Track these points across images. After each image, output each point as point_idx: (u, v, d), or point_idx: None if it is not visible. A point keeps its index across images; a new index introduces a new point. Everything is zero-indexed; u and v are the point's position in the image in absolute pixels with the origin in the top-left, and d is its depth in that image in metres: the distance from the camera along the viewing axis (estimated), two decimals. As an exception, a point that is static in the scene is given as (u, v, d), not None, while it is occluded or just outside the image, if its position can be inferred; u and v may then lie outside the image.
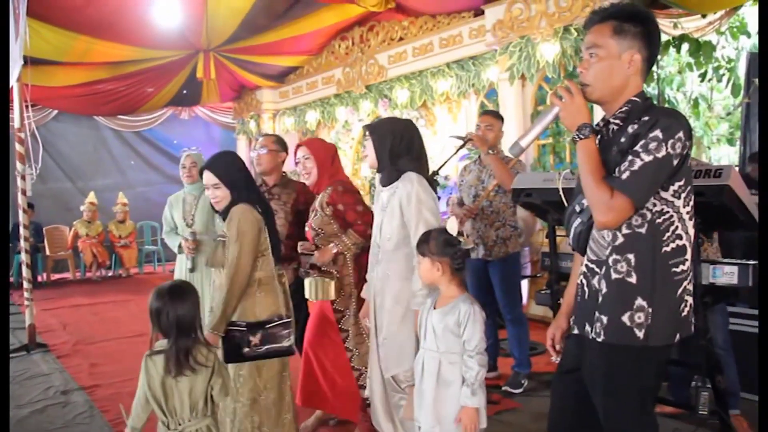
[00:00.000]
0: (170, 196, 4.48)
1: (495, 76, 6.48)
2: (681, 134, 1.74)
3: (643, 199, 1.75)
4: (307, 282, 3.28)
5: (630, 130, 1.80)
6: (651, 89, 7.47)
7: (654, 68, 7.40)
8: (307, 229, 3.37)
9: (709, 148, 10.67)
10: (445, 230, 2.42)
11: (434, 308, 2.44)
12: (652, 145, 1.72)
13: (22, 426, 3.79)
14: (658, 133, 1.72)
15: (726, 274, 2.76)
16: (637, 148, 1.74)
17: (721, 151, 10.37)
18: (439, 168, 3.73)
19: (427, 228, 2.65)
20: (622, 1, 2.92)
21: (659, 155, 1.71)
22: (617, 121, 1.87)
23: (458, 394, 2.32)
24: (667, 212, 1.79)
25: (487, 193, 4.14)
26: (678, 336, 1.84)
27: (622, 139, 1.81)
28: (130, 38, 8.05)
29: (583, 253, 1.95)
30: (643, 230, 1.78)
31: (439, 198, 3.94)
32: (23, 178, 5.83)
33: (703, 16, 6.22)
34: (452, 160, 4.24)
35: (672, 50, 7.04)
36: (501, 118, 4.35)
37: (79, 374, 4.87)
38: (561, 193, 2.16)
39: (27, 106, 5.92)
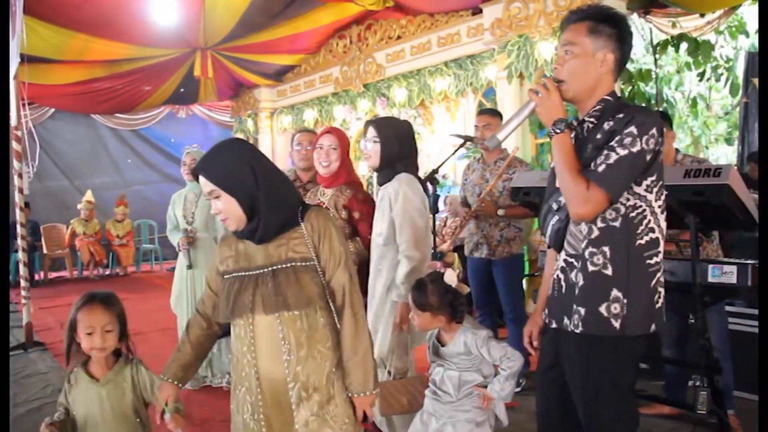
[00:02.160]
0: (174, 194, 4.53)
1: (493, 75, 6.47)
2: (654, 131, 1.80)
3: (618, 191, 1.80)
4: None
5: (606, 126, 1.85)
6: (649, 88, 7.46)
7: (652, 67, 7.43)
8: None
9: (707, 147, 10.68)
10: (442, 280, 2.37)
11: (441, 344, 2.45)
12: (627, 140, 1.77)
13: (19, 424, 3.78)
14: (633, 129, 1.78)
15: (725, 274, 2.76)
16: (612, 143, 1.79)
17: (719, 151, 10.39)
18: (438, 167, 3.72)
19: (411, 226, 2.75)
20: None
21: (634, 150, 1.77)
22: (592, 119, 1.92)
23: (508, 392, 2.36)
24: (640, 206, 1.84)
25: (489, 189, 4.11)
26: (653, 327, 1.88)
27: (598, 136, 1.86)
28: (128, 36, 8.03)
29: (560, 249, 1.99)
30: (617, 224, 1.84)
31: (437, 197, 3.93)
32: (20, 176, 5.82)
33: (702, 15, 6.22)
34: (451, 159, 4.22)
35: (671, 49, 7.04)
36: (499, 115, 4.33)
37: (76, 373, 4.85)
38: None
39: (24, 104, 5.90)
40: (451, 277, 2.36)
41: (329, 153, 3.19)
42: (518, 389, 4.09)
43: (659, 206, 1.88)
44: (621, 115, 1.83)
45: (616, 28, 1.89)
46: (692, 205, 2.77)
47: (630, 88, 7.42)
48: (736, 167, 2.92)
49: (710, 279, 2.81)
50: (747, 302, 3.81)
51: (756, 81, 7.09)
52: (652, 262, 1.86)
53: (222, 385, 4.29)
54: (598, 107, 1.91)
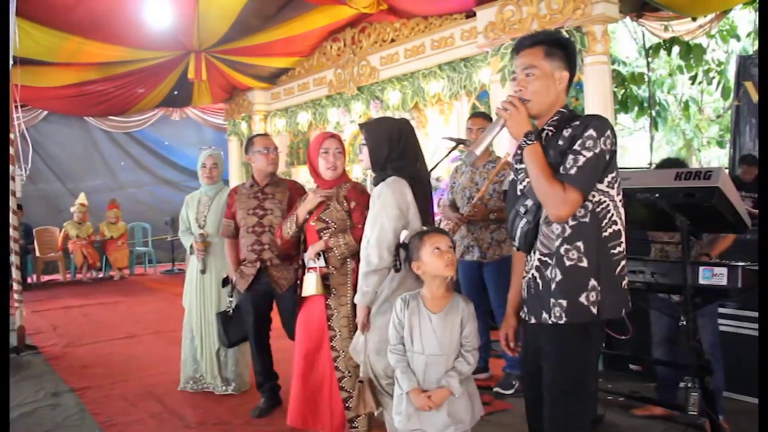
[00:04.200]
0: (187, 196, 4.52)
1: (487, 78, 6.49)
2: (609, 133, 2.01)
3: (589, 190, 1.99)
4: (306, 277, 3.17)
5: (565, 133, 2.04)
6: (642, 92, 7.50)
7: (645, 71, 7.45)
8: (312, 223, 3.22)
9: (699, 150, 10.74)
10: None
11: (431, 312, 2.42)
12: (589, 143, 1.97)
13: (11, 428, 3.77)
14: (592, 132, 1.97)
15: (716, 276, 2.78)
16: (576, 147, 1.98)
17: (711, 154, 10.45)
18: (431, 169, 3.72)
19: (379, 231, 2.68)
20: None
21: (596, 151, 1.97)
22: (551, 128, 2.12)
23: (462, 387, 2.36)
24: (604, 201, 2.03)
25: (481, 195, 4.13)
26: (623, 311, 2.08)
27: (560, 142, 2.04)
28: (121, 39, 8.02)
29: (529, 251, 2.16)
30: (586, 219, 2.02)
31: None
32: (12, 179, 5.80)
33: (694, 19, 6.26)
34: (444, 161, 4.24)
35: (663, 53, 7.08)
36: (491, 119, 4.34)
37: (70, 376, 4.84)
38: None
39: (16, 107, 5.88)
40: None
41: (336, 157, 3.24)
42: (512, 391, 4.10)
43: (620, 200, 2.08)
44: (577, 122, 2.03)
45: (566, 50, 2.13)
46: (683, 208, 2.79)
47: (623, 91, 7.47)
48: (727, 170, 2.94)
49: (701, 281, 2.83)
50: (739, 304, 3.84)
51: (747, 84, 7.13)
52: (615, 251, 2.05)
53: (229, 392, 4.26)
54: (555, 118, 2.12)
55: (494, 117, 2.19)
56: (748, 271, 2.71)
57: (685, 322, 2.89)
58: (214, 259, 4.27)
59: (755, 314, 3.65)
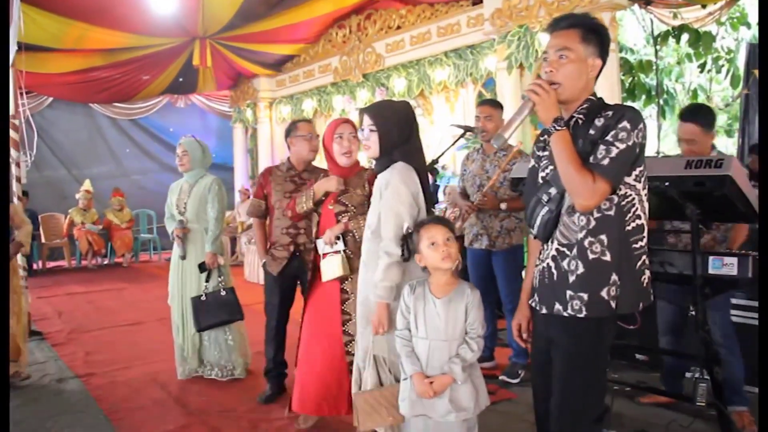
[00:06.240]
0: (172, 183, 4.56)
1: (493, 66, 6.44)
2: (641, 125, 1.96)
3: (619, 182, 1.95)
4: (326, 262, 3.13)
5: (597, 123, 1.99)
6: (650, 80, 7.43)
7: (653, 58, 7.39)
8: (330, 207, 3.21)
9: (707, 139, 10.64)
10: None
11: (436, 297, 2.41)
12: (623, 135, 1.92)
13: (16, 414, 3.78)
14: (626, 124, 1.93)
15: (726, 266, 2.75)
16: (608, 137, 1.93)
17: (720, 143, 10.34)
18: (438, 157, 3.70)
19: (396, 219, 2.57)
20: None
21: (629, 143, 1.92)
22: (581, 116, 2.06)
23: (466, 374, 2.34)
24: (630, 195, 1.99)
25: (492, 184, 4.09)
26: (642, 305, 2.05)
27: (591, 131, 1.99)
28: (126, 25, 7.98)
29: (547, 240, 2.11)
30: (611, 213, 1.98)
31: (437, 187, 3.92)
32: (18, 165, 5.79)
33: (703, 6, 6.18)
34: (450, 149, 4.20)
35: (671, 41, 7.00)
36: (500, 107, 4.31)
37: (74, 362, 4.86)
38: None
39: (21, 93, 5.86)
40: None
41: (351, 141, 3.20)
42: (517, 380, 4.09)
43: (645, 194, 2.05)
44: (610, 113, 1.98)
45: (601, 38, 2.06)
46: (693, 196, 2.75)
47: (630, 79, 7.40)
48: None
49: (710, 270, 2.80)
50: (749, 294, 3.79)
51: (757, 72, 7.05)
52: (637, 246, 2.02)
53: (212, 376, 4.29)
54: (585, 106, 2.06)
55: (512, 102, 2.13)
56: (758, 261, 2.68)
57: (694, 312, 2.87)
58: (193, 246, 4.31)
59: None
